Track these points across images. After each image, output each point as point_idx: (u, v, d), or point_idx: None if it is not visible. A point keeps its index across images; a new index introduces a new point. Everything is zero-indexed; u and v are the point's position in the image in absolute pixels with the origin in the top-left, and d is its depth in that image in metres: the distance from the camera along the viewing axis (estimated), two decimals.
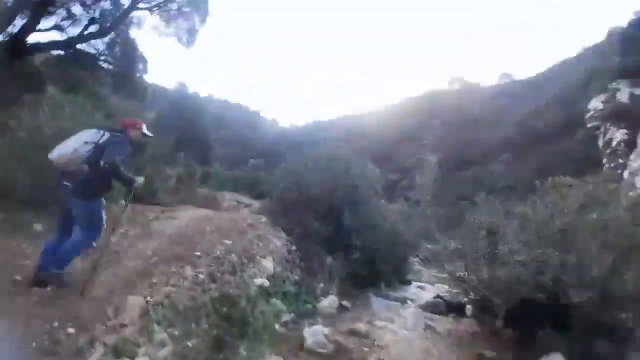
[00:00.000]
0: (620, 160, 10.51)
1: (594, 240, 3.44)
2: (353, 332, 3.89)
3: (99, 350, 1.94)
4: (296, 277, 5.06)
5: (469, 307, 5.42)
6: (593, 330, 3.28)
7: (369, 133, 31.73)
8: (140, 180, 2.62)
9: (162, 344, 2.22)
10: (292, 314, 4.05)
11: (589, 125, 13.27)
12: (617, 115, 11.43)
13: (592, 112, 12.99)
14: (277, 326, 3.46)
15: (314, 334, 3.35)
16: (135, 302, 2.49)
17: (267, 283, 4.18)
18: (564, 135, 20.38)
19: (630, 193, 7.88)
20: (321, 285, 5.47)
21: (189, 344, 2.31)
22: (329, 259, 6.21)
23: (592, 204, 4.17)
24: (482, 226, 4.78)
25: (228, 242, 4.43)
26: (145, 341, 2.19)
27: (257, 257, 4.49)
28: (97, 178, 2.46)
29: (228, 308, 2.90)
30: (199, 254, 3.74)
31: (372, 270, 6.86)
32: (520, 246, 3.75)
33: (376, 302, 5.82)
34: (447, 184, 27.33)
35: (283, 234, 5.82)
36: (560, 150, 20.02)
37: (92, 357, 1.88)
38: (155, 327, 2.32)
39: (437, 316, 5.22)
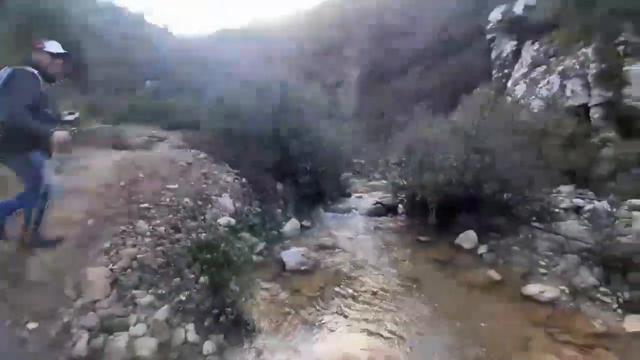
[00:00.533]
0: (506, 71, 12.50)
1: (505, 142, 4.29)
2: (322, 247, 4.34)
3: (84, 335, 1.68)
4: (257, 209, 5.05)
5: (400, 207, 6.52)
6: (495, 211, 4.43)
7: (287, 46, 28.92)
8: (61, 134, 1.85)
9: (153, 306, 2.06)
10: (264, 243, 4.19)
11: (488, 37, 14.79)
12: (510, 26, 12.93)
13: (491, 24, 14.34)
14: (254, 257, 3.57)
15: (292, 255, 3.62)
16: (97, 273, 2.13)
17: (232, 221, 4.07)
18: (467, 47, 22.39)
19: (508, 98, 9.58)
20: (279, 211, 5.63)
21: (182, 297, 2.21)
22: (279, 186, 6.28)
23: (501, 113, 5.00)
24: (419, 138, 5.37)
25: (173, 186, 3.93)
26: (132, 309, 1.99)
27: (212, 197, 4.19)
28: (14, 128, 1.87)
29: (209, 253, 2.80)
30: (146, 205, 3.25)
31: (319, 189, 7.34)
32: (453, 153, 4.42)
33: (328, 216, 6.43)
34: (370, 98, 28.65)
35: (229, 169, 5.45)
36: (464, 62, 22.35)
37: (80, 344, 1.63)
38: (136, 292, 2.10)
39: (379, 218, 6.15)
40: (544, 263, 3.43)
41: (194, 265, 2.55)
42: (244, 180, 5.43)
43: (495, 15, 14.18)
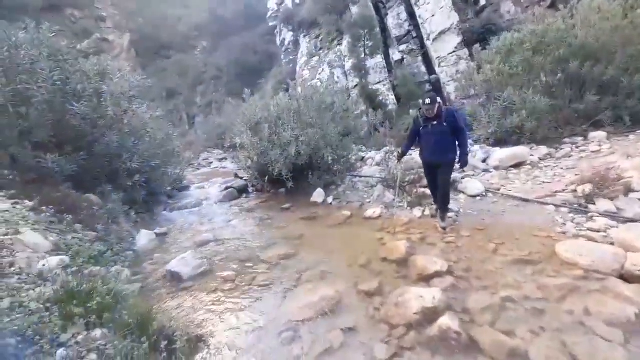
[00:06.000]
0: (292, 57, 15.08)
1: (325, 117, 5.72)
2: (201, 244, 4.10)
3: None
4: (90, 233, 3.76)
5: (252, 186, 6.97)
6: (328, 170, 5.92)
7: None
8: None
9: None
10: (126, 268, 3.39)
11: (270, 24, 16.78)
12: (286, 18, 15.38)
13: (270, 12, 16.33)
14: (127, 286, 2.84)
15: (182, 263, 3.19)
16: None
17: (66, 259, 2.95)
18: (247, 29, 23.97)
19: (302, 82, 11.98)
20: (115, 227, 4.46)
21: None
22: (94, 198, 4.84)
23: (314, 93, 6.40)
24: (261, 120, 5.89)
25: None
26: None
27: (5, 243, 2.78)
28: None
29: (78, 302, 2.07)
30: None
31: (151, 189, 6.26)
32: (298, 130, 5.35)
33: (178, 215, 5.78)
34: (152, 74, 24.56)
35: (13, 201, 3.61)
36: (246, 42, 23.86)
37: None
38: None
39: (236, 201, 6.32)
40: (366, 196, 5.26)
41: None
42: (33, 203, 3.84)
43: (272, 4, 16.22)
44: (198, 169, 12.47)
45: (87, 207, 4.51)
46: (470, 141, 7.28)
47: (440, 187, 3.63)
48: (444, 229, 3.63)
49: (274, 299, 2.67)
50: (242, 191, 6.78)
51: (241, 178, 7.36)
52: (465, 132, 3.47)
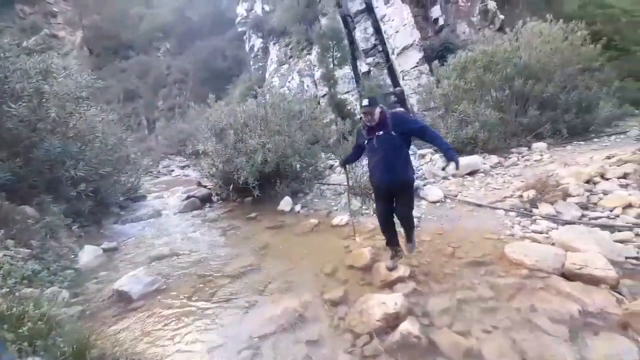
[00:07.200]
0: (261, 64, 14.96)
1: (292, 125, 5.69)
2: (157, 258, 3.82)
3: None
4: (23, 250, 3.32)
5: (215, 195, 6.68)
6: (296, 178, 5.87)
7: None
8: None
9: None
10: (65, 289, 3.04)
11: (239, 30, 16.55)
12: (256, 25, 15.28)
13: (239, 18, 16.14)
14: (65, 310, 2.53)
15: (133, 280, 2.92)
16: None
17: None
18: (216, 33, 23.42)
19: (270, 89, 11.91)
20: (54, 244, 4.01)
21: None
22: (30, 210, 4.34)
23: (282, 100, 6.37)
24: (226, 126, 5.71)
25: None
26: None
27: None
28: None
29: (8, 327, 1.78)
30: None
31: (100, 200, 5.75)
32: (265, 137, 5.25)
33: (131, 228, 5.36)
34: (108, 75, 22.95)
35: None
36: (214, 46, 23.24)
37: None
38: None
39: (198, 211, 6.00)
40: (333, 203, 5.28)
41: None
42: None
43: (241, 10, 16.05)
44: (157, 177, 11.73)
45: (22, 220, 4.01)
46: (430, 150, 7.68)
47: (401, 219, 2.78)
48: (410, 251, 2.98)
49: (235, 315, 2.53)
50: (205, 200, 6.47)
51: (205, 186, 7.04)
52: (428, 128, 2.59)
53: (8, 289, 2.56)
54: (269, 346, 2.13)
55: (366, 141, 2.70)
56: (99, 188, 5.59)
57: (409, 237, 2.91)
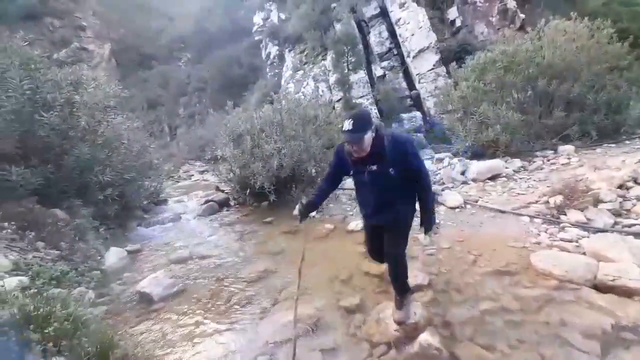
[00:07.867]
0: (277, 71, 15.24)
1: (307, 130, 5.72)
2: (177, 261, 3.92)
3: None
4: (52, 252, 3.50)
5: (233, 199, 6.80)
6: (305, 183, 5.88)
7: None
8: None
9: None
10: (91, 290, 3.17)
11: (256, 38, 16.98)
12: (272, 33, 15.62)
13: (256, 27, 16.56)
14: (91, 310, 2.62)
15: (154, 282, 3.02)
16: None
17: (24, 279, 2.72)
18: (233, 42, 24.11)
19: (286, 95, 12.06)
20: (82, 245, 4.20)
21: None
22: (60, 213, 4.56)
23: (297, 106, 6.42)
24: (243, 132, 5.82)
25: None
26: None
27: None
28: None
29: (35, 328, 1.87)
30: None
31: (125, 203, 5.98)
32: (280, 142, 5.31)
33: (152, 231, 5.54)
34: (132, 85, 24.07)
35: None
36: (230, 55, 23.93)
37: None
38: None
39: (216, 215, 6.13)
40: (349, 208, 5.24)
41: None
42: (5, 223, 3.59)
43: (258, 19, 16.49)
44: (178, 182, 12.11)
45: (52, 222, 4.23)
46: (448, 154, 7.49)
47: (390, 264, 2.20)
48: (400, 323, 2.17)
49: (250, 320, 2.54)
50: (223, 204, 6.60)
51: (222, 191, 7.18)
52: (426, 176, 1.94)
53: (36, 290, 2.69)
54: (284, 353, 2.12)
55: (352, 172, 2.04)
56: (124, 192, 5.81)
57: (398, 301, 2.21)
